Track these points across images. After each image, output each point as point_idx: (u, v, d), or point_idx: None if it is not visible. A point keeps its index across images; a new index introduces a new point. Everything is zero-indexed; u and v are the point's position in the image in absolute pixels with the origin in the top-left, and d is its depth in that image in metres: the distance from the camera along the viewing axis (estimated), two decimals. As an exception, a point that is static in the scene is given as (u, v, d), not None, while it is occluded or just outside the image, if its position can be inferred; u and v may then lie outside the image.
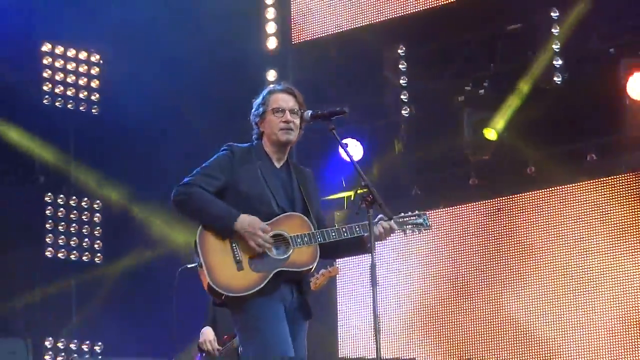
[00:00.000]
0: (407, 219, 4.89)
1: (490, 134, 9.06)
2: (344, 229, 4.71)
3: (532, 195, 8.98)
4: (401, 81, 9.44)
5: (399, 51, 9.50)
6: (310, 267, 4.71)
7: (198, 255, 4.63)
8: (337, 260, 6.55)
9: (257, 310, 4.57)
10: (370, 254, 4.58)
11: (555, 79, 8.85)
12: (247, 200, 4.71)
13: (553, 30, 8.88)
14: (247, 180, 4.75)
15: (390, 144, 9.52)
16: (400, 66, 9.49)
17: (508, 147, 9.06)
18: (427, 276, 9.26)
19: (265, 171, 4.80)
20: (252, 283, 4.59)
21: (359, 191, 4.78)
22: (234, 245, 4.62)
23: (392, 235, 4.81)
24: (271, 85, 4.98)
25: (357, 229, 4.71)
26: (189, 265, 4.71)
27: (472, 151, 9.20)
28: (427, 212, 4.96)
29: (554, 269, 8.77)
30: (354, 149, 9.09)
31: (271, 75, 9.79)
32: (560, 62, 8.86)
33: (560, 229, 8.82)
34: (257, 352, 4.53)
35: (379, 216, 4.77)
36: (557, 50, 8.85)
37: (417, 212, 4.93)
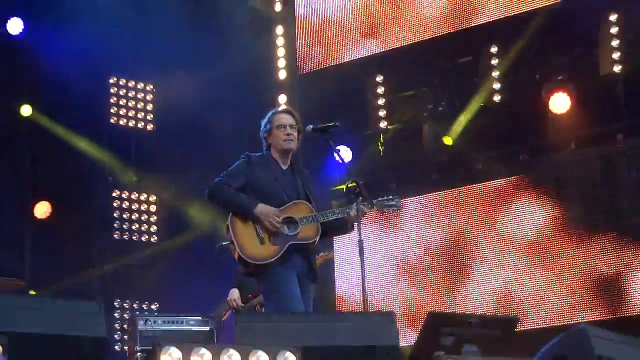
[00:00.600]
0: (384, 201, 5.01)
1: (448, 141, 9.08)
2: (337, 210, 4.88)
3: (479, 187, 8.97)
4: (379, 101, 9.46)
5: (378, 79, 9.48)
6: (314, 239, 4.85)
7: (230, 235, 4.76)
8: (334, 240, 6.57)
9: (276, 276, 4.72)
10: (357, 232, 4.77)
11: (495, 98, 8.86)
12: (264, 194, 4.87)
13: (493, 61, 8.89)
14: (262, 179, 4.90)
15: (372, 149, 9.44)
16: (379, 90, 9.49)
17: (461, 150, 9.08)
18: (401, 249, 9.20)
19: (275, 172, 4.94)
20: (272, 253, 4.75)
21: (349, 185, 4.93)
22: (256, 226, 4.76)
23: (366, 214, 4.90)
24: (275, 109, 5.14)
25: (347, 210, 4.86)
26: (223, 243, 4.80)
27: (434, 154, 9.24)
28: (390, 210, 5.05)
29: (498, 244, 8.69)
30: (345, 153, 9.09)
31: (282, 98, 9.82)
32: (499, 85, 8.86)
33: (500, 212, 8.78)
34: (276, 308, 4.68)
35: (358, 200, 4.89)
36: (497, 77, 8.87)
37: (392, 196, 5.06)
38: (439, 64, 9.24)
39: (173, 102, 9.56)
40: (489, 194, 8.89)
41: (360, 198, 4.82)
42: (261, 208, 4.78)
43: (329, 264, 7.93)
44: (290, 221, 4.81)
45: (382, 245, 9.18)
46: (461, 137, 8.98)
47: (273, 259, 4.73)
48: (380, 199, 5.01)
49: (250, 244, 4.72)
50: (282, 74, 9.83)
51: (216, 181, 4.85)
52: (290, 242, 4.79)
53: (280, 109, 5.09)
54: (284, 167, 5.01)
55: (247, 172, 4.89)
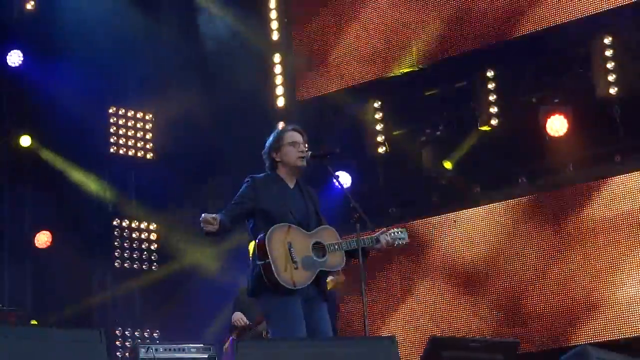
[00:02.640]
0: (395, 233, 4.97)
1: (448, 165, 9.07)
2: (361, 240, 4.82)
3: (478, 210, 8.96)
4: (377, 127, 9.42)
5: (376, 105, 9.47)
6: (340, 267, 4.86)
7: (265, 255, 4.66)
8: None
9: (283, 300, 4.67)
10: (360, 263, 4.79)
11: (492, 122, 8.85)
12: (271, 216, 4.80)
13: (489, 85, 8.89)
14: (268, 201, 4.84)
15: (371, 174, 9.41)
16: (377, 116, 9.47)
17: (459, 173, 9.09)
18: (405, 271, 9.17)
19: (282, 192, 4.88)
20: (305, 279, 4.72)
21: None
22: (291, 249, 4.71)
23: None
24: (284, 126, 5.15)
25: (368, 241, 4.87)
26: (258, 262, 4.75)
27: (433, 178, 9.22)
28: (401, 224, 5.05)
29: (500, 267, 8.64)
30: (344, 179, 9.09)
31: (281, 126, 9.81)
32: (496, 109, 8.86)
33: (498, 236, 8.75)
34: (280, 333, 4.66)
35: (382, 229, 4.92)
36: (493, 100, 8.87)
37: (400, 229, 5.02)
38: (435, 89, 9.23)
39: (172, 131, 9.77)
40: (488, 218, 8.87)
41: (359, 225, 4.80)
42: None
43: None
44: (318, 247, 4.78)
45: (383, 268, 9.15)
46: (460, 161, 9.00)
47: (305, 285, 4.71)
48: (392, 231, 4.98)
49: (286, 267, 4.67)
50: (281, 102, 9.82)
51: (223, 212, 4.82)
52: (320, 269, 4.78)
53: (290, 126, 5.02)
54: (291, 186, 4.95)
55: (253, 196, 4.83)
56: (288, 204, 4.86)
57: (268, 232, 4.73)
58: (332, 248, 4.80)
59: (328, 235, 4.85)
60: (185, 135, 9.63)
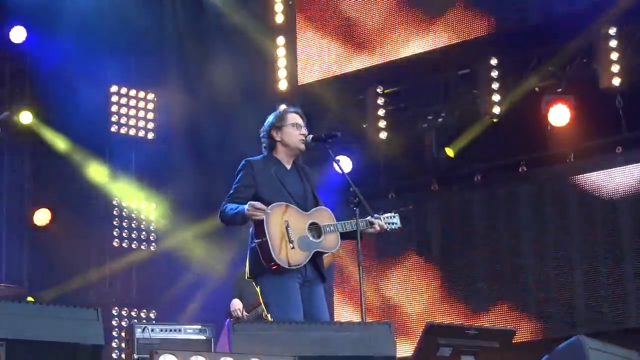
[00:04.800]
0: (387, 218, 4.98)
1: (450, 152, 8.98)
2: (360, 221, 4.82)
3: (478, 197, 8.93)
4: (379, 112, 9.41)
5: (378, 90, 9.42)
6: (336, 248, 4.88)
7: (262, 233, 4.66)
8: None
9: (279, 283, 4.68)
10: (357, 248, 4.80)
11: (494, 110, 8.80)
12: (270, 200, 4.78)
13: (492, 73, 8.80)
14: (267, 185, 4.83)
15: (372, 159, 9.39)
16: (379, 101, 9.44)
17: (460, 161, 9.03)
18: (400, 258, 9.13)
19: (280, 175, 4.86)
20: (301, 258, 4.71)
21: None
22: (288, 229, 4.70)
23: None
24: (286, 107, 5.19)
25: (364, 223, 4.85)
26: (256, 241, 4.74)
27: (434, 165, 9.16)
28: (400, 211, 5.05)
29: (497, 255, 8.67)
30: (345, 163, 9.06)
31: (283, 107, 9.76)
32: (498, 97, 8.79)
33: (498, 221, 8.74)
34: (277, 317, 4.65)
35: (375, 215, 4.91)
36: (496, 88, 8.82)
37: (392, 213, 5.03)
38: (439, 76, 9.20)
39: (174, 110, 9.71)
40: (488, 205, 8.85)
41: (361, 207, 4.81)
42: (247, 207, 4.66)
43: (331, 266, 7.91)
44: (314, 228, 4.78)
45: (381, 254, 9.12)
46: (462, 148, 8.95)
47: (301, 264, 4.71)
48: (385, 215, 4.98)
49: (282, 246, 4.67)
50: (283, 85, 9.78)
51: (222, 206, 4.81)
52: (316, 250, 4.78)
53: (293, 108, 5.02)
54: (289, 167, 4.93)
55: (252, 182, 4.82)
56: (286, 186, 4.85)
57: (270, 207, 4.73)
58: (328, 229, 4.79)
59: (324, 216, 4.84)
60: (187, 116, 9.63)
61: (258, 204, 4.70)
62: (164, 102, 9.90)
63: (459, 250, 8.83)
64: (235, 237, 8.28)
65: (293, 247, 4.69)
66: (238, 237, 7.49)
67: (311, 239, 4.76)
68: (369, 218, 4.91)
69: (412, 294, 8.89)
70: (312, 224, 4.80)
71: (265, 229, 4.68)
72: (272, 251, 4.65)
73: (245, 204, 4.74)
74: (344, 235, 4.88)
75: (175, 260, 9.52)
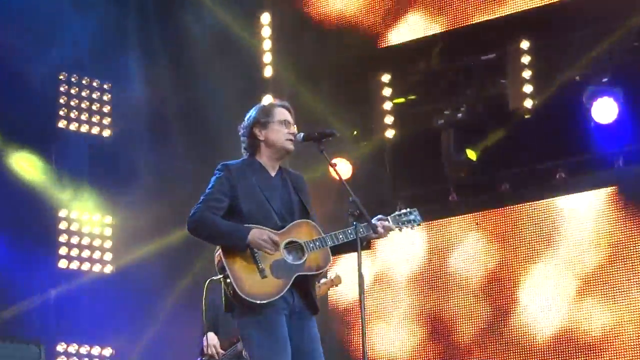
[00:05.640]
0: (400, 216, 4.94)
1: (472, 155, 9.06)
2: (349, 231, 4.74)
3: (505, 211, 8.99)
4: (385, 105, 9.40)
5: (384, 79, 9.46)
6: (325, 269, 4.76)
7: (224, 267, 4.62)
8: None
9: (263, 318, 4.61)
10: (358, 270, 4.64)
11: (526, 104, 8.79)
12: (250, 216, 4.71)
13: (523, 59, 8.84)
14: (246, 197, 4.75)
15: (376, 163, 9.48)
16: (385, 93, 9.44)
17: (484, 166, 9.10)
18: (409, 285, 9.22)
19: (263, 184, 4.80)
20: (277, 289, 4.62)
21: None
22: (255, 254, 4.62)
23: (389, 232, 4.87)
24: (271, 101, 5.00)
25: (362, 231, 4.75)
26: (214, 278, 4.66)
27: (452, 170, 9.21)
28: (409, 226, 5.00)
29: (528, 283, 8.74)
30: (343, 168, 9.11)
31: (267, 100, 9.78)
32: (531, 88, 8.81)
33: (530, 243, 8.81)
34: (259, 357, 4.60)
35: (378, 216, 4.85)
36: (528, 78, 8.82)
37: (407, 209, 5.00)
38: (457, 62, 9.29)
39: (135, 103, 9.70)
40: (518, 220, 8.90)
41: (356, 224, 4.73)
42: (255, 233, 4.63)
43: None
44: (293, 247, 4.70)
45: (386, 281, 9.24)
46: (485, 150, 9.06)
47: (278, 296, 4.62)
48: (395, 213, 4.94)
49: (249, 278, 4.60)
50: (268, 71, 9.84)
51: (195, 211, 4.72)
52: (298, 274, 4.68)
53: (280, 102, 4.98)
54: (273, 174, 4.90)
55: (229, 190, 4.76)
56: (270, 198, 4.80)
57: None
58: (311, 246, 4.71)
59: (304, 230, 4.77)
60: (151, 110, 9.59)
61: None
62: (123, 92, 9.87)
63: (482, 273, 8.87)
64: (207, 252, 8.26)
65: (265, 276, 4.61)
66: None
67: (290, 261, 4.67)
68: (373, 220, 4.84)
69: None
70: (290, 243, 4.71)
71: (225, 262, 4.63)
72: (235, 288, 4.59)
73: (222, 223, 4.67)
74: (340, 249, 4.81)
75: (137, 283, 9.52)
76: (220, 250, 4.66)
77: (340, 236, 4.74)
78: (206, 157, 9.01)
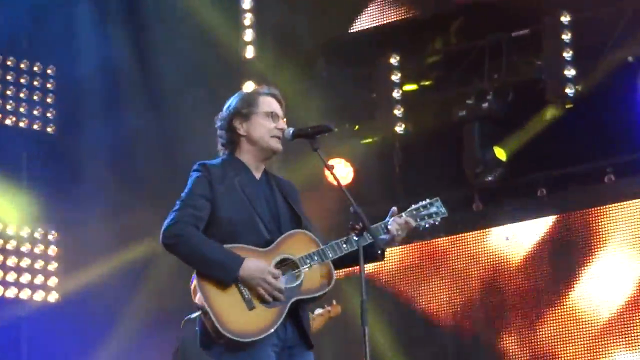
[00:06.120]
0: (419, 210, 4.94)
1: (501, 154, 9.10)
2: (355, 238, 4.71)
3: (542, 223, 9.02)
4: (395, 93, 9.41)
5: (392, 61, 9.47)
6: (327, 289, 4.76)
7: (200, 299, 4.63)
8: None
9: (249, 356, 4.62)
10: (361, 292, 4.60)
11: (567, 90, 8.82)
12: (231, 227, 4.74)
13: (564, 36, 8.86)
14: (228, 203, 4.78)
15: (383, 164, 9.53)
16: (394, 78, 9.45)
17: (516, 167, 9.10)
18: (426, 314, 9.29)
19: (247, 188, 4.83)
20: (269, 322, 4.63)
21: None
22: (239, 283, 4.63)
23: (409, 232, 4.86)
24: (255, 88, 5.11)
25: (369, 236, 4.74)
26: (192, 315, 4.62)
27: (476, 172, 9.22)
28: (424, 241, 4.99)
29: (568, 302, 8.83)
30: (342, 171, 9.15)
31: (248, 87, 9.76)
32: (572, 72, 8.85)
33: (575, 258, 8.87)
34: None
35: (391, 211, 4.86)
36: (569, 58, 8.86)
37: (427, 200, 5.00)
38: (482, 40, 9.31)
39: (85, 94, 9.70)
40: (559, 235, 8.91)
41: (357, 237, 4.70)
42: (251, 267, 4.62)
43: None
44: (286, 266, 4.72)
45: (394, 306, 9.30)
46: (518, 148, 9.08)
47: (271, 331, 4.62)
48: (412, 207, 4.95)
49: (233, 311, 4.62)
50: (249, 52, 9.90)
51: (174, 220, 4.73)
52: (294, 299, 4.69)
53: (266, 89, 4.99)
54: (258, 176, 4.94)
55: (208, 192, 4.79)
56: (256, 205, 4.83)
57: None
58: (308, 261, 4.73)
59: (298, 243, 4.78)
60: (103, 101, 9.61)
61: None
62: (70, 79, 9.82)
63: (512, 297, 8.96)
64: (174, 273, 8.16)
65: (253, 307, 4.62)
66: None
67: (283, 284, 4.68)
68: (385, 221, 4.86)
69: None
70: (282, 260, 4.72)
71: (201, 292, 4.62)
72: (217, 324, 4.59)
73: (208, 244, 4.67)
74: (347, 262, 4.81)
75: (88, 314, 9.52)
76: (195, 279, 4.65)
77: (344, 245, 4.74)
78: (174, 154, 9.06)
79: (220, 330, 4.56)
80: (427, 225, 4.95)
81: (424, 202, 4.98)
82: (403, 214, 4.89)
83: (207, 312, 4.58)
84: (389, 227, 4.83)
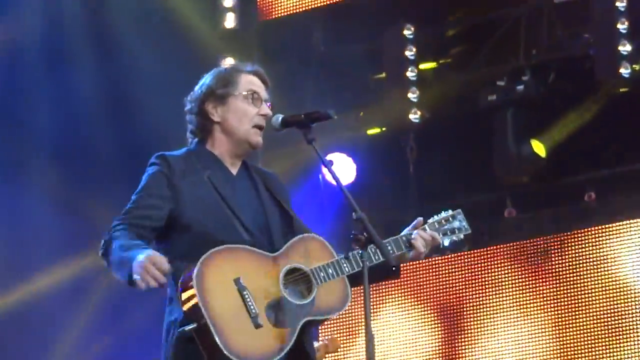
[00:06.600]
0: (441, 224, 5.06)
1: (539, 148, 9.07)
2: (373, 250, 4.80)
3: (591, 233, 9.05)
4: (409, 73, 9.35)
5: (405, 33, 9.43)
6: (342, 309, 4.87)
7: (196, 312, 4.64)
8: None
9: None
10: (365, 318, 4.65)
11: (621, 70, 8.83)
12: (201, 232, 4.79)
13: (618, 3, 8.84)
14: (195, 202, 4.82)
15: (393, 160, 9.53)
16: (408, 53, 9.40)
17: (559, 165, 9.11)
18: (448, 332, 9.41)
19: (220, 184, 4.87)
20: (277, 345, 4.70)
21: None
22: (244, 293, 4.67)
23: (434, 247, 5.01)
24: (236, 63, 5.01)
25: (394, 245, 4.91)
26: (186, 328, 4.60)
27: (509, 171, 9.21)
28: (446, 256, 5.03)
29: (618, 328, 8.93)
30: (342, 168, 9.16)
31: (228, 62, 9.73)
32: (628, 47, 8.85)
33: (629, 273, 8.93)
34: None
35: (414, 222, 4.98)
36: (625, 31, 8.83)
37: (448, 211, 5.11)
38: (516, 8, 9.40)
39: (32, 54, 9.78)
40: (611, 247, 8.92)
41: (364, 250, 4.72)
42: (137, 261, 4.59)
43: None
44: (297, 277, 4.78)
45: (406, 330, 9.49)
46: (561, 142, 9.15)
47: (282, 355, 4.68)
48: (434, 220, 5.06)
49: (237, 328, 4.64)
50: (230, 21, 9.93)
51: (114, 225, 4.80)
52: (307, 319, 4.76)
53: (248, 66, 5.05)
54: (234, 171, 4.99)
55: (166, 191, 4.83)
56: (233, 204, 4.85)
57: (198, 266, 4.66)
58: (322, 275, 4.78)
59: (311, 250, 4.86)
60: (49, 64, 9.60)
61: (161, 261, 4.55)
62: (17, 34, 9.90)
63: (552, 316, 9.09)
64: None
65: (259, 325, 4.65)
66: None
67: (292, 299, 4.75)
68: (405, 233, 4.96)
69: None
70: (292, 270, 4.76)
71: (200, 303, 4.61)
72: (219, 342, 4.58)
73: (150, 234, 4.78)
74: (359, 279, 4.81)
75: (31, 326, 9.66)
76: (190, 279, 4.64)
77: (359, 258, 4.79)
78: (134, 134, 9.15)
79: (222, 348, 4.57)
80: (447, 243, 5.06)
81: (445, 214, 5.09)
82: (426, 226, 4.99)
83: (206, 327, 4.59)
84: (412, 241, 4.91)
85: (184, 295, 4.66)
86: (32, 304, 9.63)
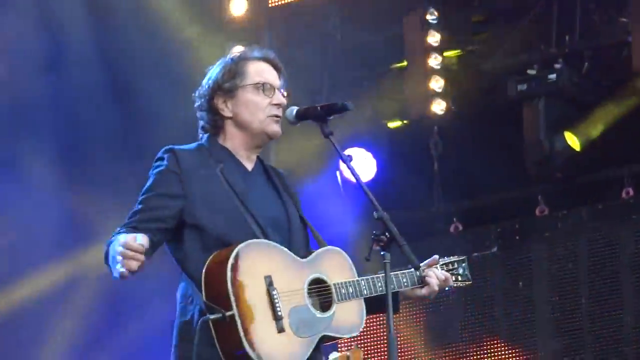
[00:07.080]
0: (447, 267, 5.19)
1: (573, 141, 9.12)
2: (400, 276, 4.99)
3: (631, 230, 9.11)
4: (432, 60, 9.42)
5: (429, 18, 9.50)
6: (357, 333, 4.97)
7: (224, 299, 4.67)
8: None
9: None
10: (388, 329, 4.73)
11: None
12: (213, 234, 4.81)
13: None
14: (207, 199, 4.85)
15: (416, 155, 9.59)
16: (431, 40, 9.46)
17: (594, 160, 9.23)
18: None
19: (233, 178, 4.89)
20: (297, 354, 4.77)
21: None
22: (274, 293, 4.72)
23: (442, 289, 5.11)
24: (243, 50, 5.09)
25: (407, 279, 5.03)
26: (212, 317, 4.65)
27: (540, 166, 9.26)
28: (473, 257, 5.08)
29: None
30: (362, 164, 9.22)
31: (238, 49, 9.79)
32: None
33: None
34: None
35: (429, 260, 5.06)
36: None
37: (455, 257, 5.26)
38: None
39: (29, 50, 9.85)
40: None
41: (384, 253, 4.74)
42: (118, 251, 4.63)
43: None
44: (320, 288, 4.85)
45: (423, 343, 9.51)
46: (599, 134, 9.21)
47: None
48: (446, 261, 5.14)
49: (261, 327, 4.69)
50: (238, 7, 9.98)
51: (117, 230, 4.82)
52: (324, 334, 4.83)
53: (258, 51, 5.05)
54: (250, 167, 5.01)
55: (177, 188, 4.85)
56: (248, 203, 4.87)
57: (238, 249, 4.70)
58: (344, 291, 4.87)
59: (335, 265, 4.93)
60: (48, 60, 9.71)
61: (134, 243, 4.59)
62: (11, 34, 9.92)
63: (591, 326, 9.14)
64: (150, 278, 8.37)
65: (282, 331, 4.71)
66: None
67: (313, 311, 4.81)
68: (421, 267, 5.00)
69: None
70: (316, 280, 4.83)
71: (230, 292, 4.64)
72: (243, 339, 4.63)
73: (161, 236, 4.82)
74: (374, 306, 4.93)
75: (28, 329, 9.74)
76: (223, 267, 4.67)
77: (379, 285, 4.91)
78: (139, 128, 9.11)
79: (246, 348, 4.62)
80: (448, 288, 5.17)
81: (453, 259, 5.24)
82: (437, 266, 5.12)
83: (232, 319, 4.63)
84: (427, 278, 5.03)
85: (211, 283, 4.71)
86: (27, 304, 9.72)
